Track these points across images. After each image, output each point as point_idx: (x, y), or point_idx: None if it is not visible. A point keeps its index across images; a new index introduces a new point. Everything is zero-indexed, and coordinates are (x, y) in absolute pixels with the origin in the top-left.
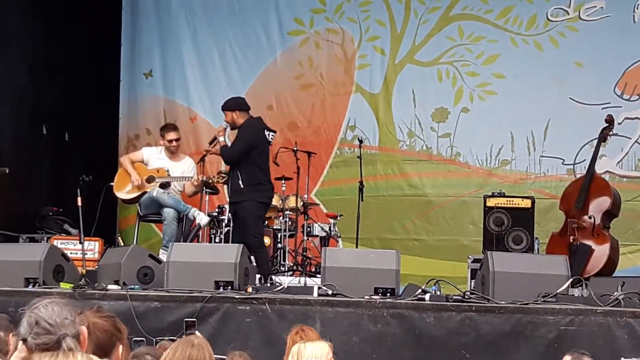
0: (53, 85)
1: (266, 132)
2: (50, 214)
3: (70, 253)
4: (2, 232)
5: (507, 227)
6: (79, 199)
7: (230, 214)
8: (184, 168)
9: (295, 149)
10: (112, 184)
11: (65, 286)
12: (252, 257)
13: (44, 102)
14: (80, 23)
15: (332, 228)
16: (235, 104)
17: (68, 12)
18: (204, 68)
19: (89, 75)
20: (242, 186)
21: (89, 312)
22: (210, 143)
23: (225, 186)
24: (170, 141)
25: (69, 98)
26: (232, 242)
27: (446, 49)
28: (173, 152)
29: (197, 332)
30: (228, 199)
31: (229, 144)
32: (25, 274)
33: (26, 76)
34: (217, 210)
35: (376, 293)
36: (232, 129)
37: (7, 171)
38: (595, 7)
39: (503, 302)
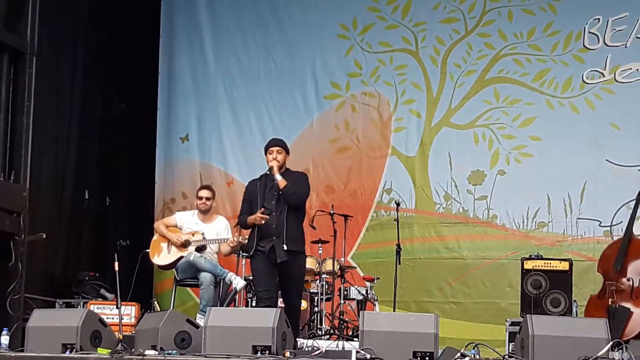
0: (93, 149)
1: None
2: (87, 278)
3: (107, 318)
4: (38, 297)
5: (545, 289)
6: (116, 263)
7: (269, 257)
8: (219, 228)
9: (332, 212)
10: (147, 250)
11: (103, 352)
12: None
13: (86, 166)
14: (118, 87)
15: (368, 291)
16: (288, 148)
17: (105, 77)
18: (240, 132)
19: (127, 139)
20: (301, 235)
21: None
22: (270, 171)
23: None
24: (201, 198)
25: (107, 162)
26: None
27: (482, 111)
28: (204, 212)
29: None
30: (285, 245)
31: None
32: (63, 340)
33: (70, 140)
34: None
35: (415, 357)
36: (278, 169)
37: (45, 236)
38: (631, 69)
39: None
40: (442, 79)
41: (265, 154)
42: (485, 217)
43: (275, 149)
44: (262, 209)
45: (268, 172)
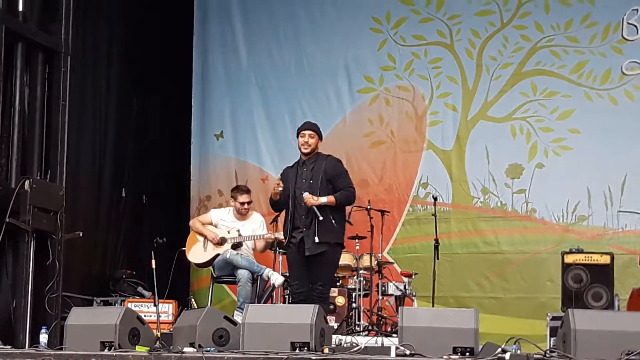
0: (129, 147)
1: None
2: (124, 276)
3: (145, 316)
4: (76, 295)
5: (586, 283)
6: (153, 261)
7: (299, 249)
8: (254, 225)
9: (368, 207)
10: (184, 248)
11: (141, 349)
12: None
13: (122, 164)
14: (153, 86)
15: (406, 287)
16: (320, 132)
17: (140, 75)
18: (274, 128)
19: (162, 137)
20: (335, 226)
21: None
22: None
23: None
24: (242, 204)
25: (144, 161)
26: (295, 278)
27: (519, 104)
28: (243, 214)
29: None
30: (316, 237)
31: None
32: (101, 338)
33: (107, 139)
34: None
35: (455, 352)
36: (306, 155)
37: (81, 235)
38: None
39: None
40: (477, 72)
41: (297, 137)
42: (523, 211)
43: (307, 132)
44: (278, 183)
45: (299, 160)
